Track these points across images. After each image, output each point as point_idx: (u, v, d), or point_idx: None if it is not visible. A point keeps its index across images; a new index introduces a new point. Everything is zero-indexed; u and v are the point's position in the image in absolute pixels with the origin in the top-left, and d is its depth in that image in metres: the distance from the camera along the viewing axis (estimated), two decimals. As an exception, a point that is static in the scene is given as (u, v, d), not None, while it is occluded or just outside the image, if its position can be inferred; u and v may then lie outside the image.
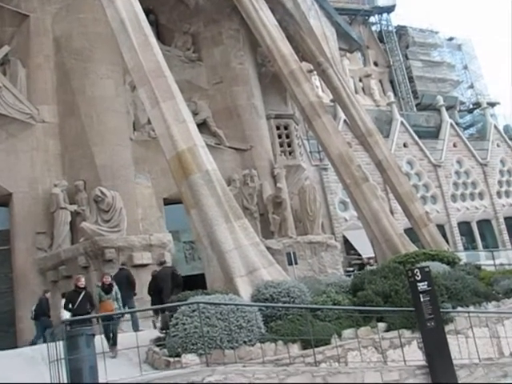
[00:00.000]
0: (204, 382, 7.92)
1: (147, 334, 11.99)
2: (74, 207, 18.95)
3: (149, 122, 18.32)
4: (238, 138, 22.99)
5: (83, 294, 12.57)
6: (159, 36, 24.03)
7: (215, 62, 24.02)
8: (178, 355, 9.44)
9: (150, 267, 17.22)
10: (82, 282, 12.83)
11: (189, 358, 9.30)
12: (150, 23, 17.95)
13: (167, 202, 20.97)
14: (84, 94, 19.72)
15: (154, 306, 14.53)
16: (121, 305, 13.12)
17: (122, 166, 19.52)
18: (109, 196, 17.86)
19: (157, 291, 14.72)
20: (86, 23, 20.14)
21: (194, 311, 9.81)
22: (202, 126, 21.33)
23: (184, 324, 9.76)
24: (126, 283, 15.31)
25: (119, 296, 13.09)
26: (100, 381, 8.09)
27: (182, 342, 9.58)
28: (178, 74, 18.29)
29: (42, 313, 15.70)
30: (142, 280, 16.38)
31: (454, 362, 10.42)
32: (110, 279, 13.11)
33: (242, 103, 23.32)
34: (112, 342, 11.74)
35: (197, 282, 14.74)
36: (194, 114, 21.26)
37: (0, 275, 19.03)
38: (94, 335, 8.67)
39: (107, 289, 12.85)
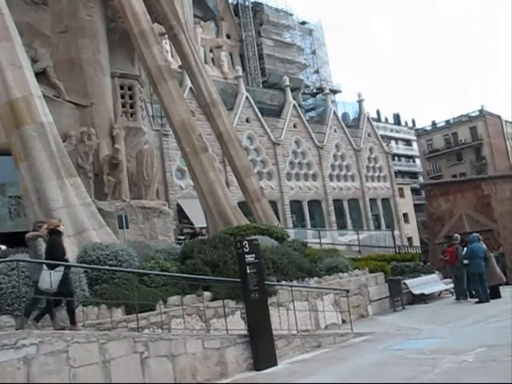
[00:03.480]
0: (17, 345, 7.46)
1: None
2: None
3: (-20, 63, 16.87)
4: (79, 93, 21.84)
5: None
6: (0, -29, 22.11)
7: (62, 8, 22.44)
8: (-9, 316, 8.90)
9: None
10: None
11: (3, 320, 8.82)
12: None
13: (-6, 152, 19.60)
14: None
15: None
16: None
17: None
18: None
19: None
20: None
21: (12, 270, 9.27)
22: (41, 76, 19.94)
23: (0, 283, 9.21)
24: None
25: None
26: None
27: (-4, 302, 9.06)
28: (18, 15, 16.92)
29: None
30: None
31: (274, 332, 10.83)
32: None
33: (87, 57, 22.11)
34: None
35: (21, 240, 14.03)
36: (34, 61, 19.87)
37: None
38: None
39: None
